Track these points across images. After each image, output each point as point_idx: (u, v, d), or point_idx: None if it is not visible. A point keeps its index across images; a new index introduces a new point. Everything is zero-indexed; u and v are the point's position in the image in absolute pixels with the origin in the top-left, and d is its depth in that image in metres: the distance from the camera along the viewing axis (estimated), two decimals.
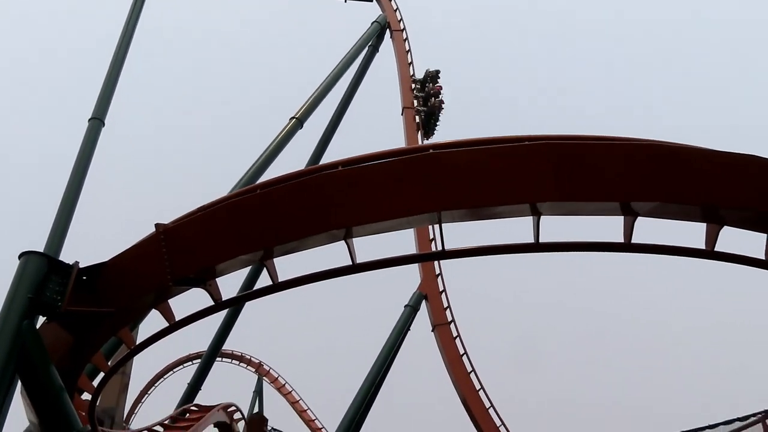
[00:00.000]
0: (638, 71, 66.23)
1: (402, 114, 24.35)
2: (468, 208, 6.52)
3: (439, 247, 7.04)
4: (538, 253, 6.79)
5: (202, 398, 21.57)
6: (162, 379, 36.88)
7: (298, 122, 19.72)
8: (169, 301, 7.86)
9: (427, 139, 25.15)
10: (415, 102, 25.41)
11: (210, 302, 7.58)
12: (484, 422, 20.56)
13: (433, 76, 26.15)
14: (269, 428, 6.67)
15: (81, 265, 7.71)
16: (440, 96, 25.84)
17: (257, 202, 7.00)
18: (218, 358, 31.74)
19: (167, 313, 7.85)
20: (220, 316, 23.00)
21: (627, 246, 6.68)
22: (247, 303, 22.74)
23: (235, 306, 14.97)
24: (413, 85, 25.44)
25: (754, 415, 9.72)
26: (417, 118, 24.83)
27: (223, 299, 7.63)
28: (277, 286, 7.36)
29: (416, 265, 23.45)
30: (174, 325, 7.89)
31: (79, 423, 7.55)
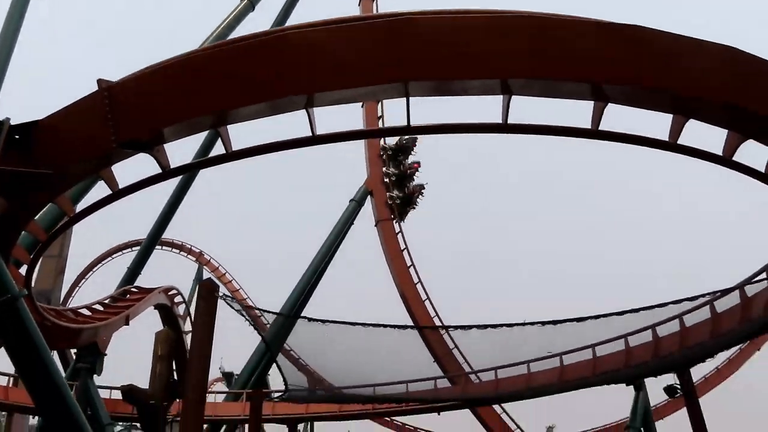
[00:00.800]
0: None
1: (359, 4, 23.07)
2: (437, 79, 6.05)
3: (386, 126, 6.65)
4: (505, 133, 6.48)
5: (141, 285, 21.10)
6: (100, 264, 36.11)
7: (250, 4, 18.45)
8: (112, 168, 7.25)
9: (402, 222, 22.72)
10: (386, 179, 22.44)
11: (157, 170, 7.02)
12: (419, 313, 21.15)
13: (407, 147, 22.68)
14: (220, 294, 6.40)
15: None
16: (416, 174, 22.54)
17: (213, 61, 6.29)
18: (158, 247, 31.19)
19: (110, 180, 7.24)
20: (163, 200, 22.27)
21: (595, 132, 6.44)
22: (191, 191, 22.15)
23: (184, 174, 14.09)
24: (382, 153, 22.65)
25: (702, 295, 10.12)
26: (389, 200, 22.16)
27: (172, 167, 7.05)
28: (230, 155, 6.82)
29: (364, 160, 23.15)
30: (118, 193, 7.31)
31: (15, 287, 7.04)
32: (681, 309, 11.84)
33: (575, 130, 6.49)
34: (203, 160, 7.83)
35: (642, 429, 17.39)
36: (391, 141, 23.18)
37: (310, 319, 6.25)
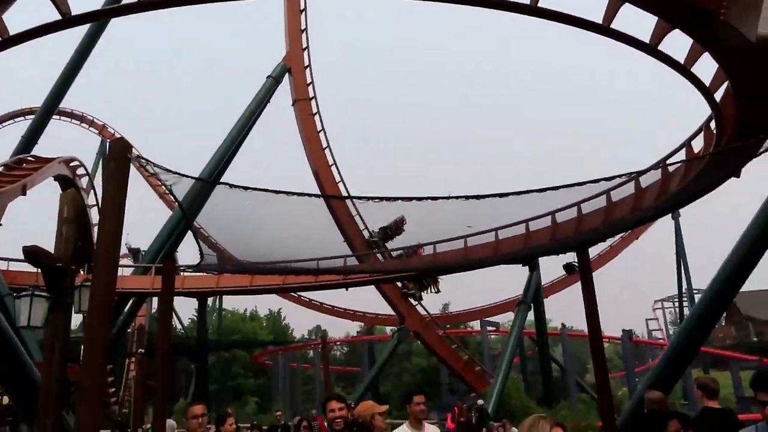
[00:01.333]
0: None
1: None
2: None
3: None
4: (443, 3, 6.06)
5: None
6: None
7: None
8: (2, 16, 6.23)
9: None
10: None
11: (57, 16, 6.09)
12: (332, 194, 21.01)
13: (398, 228, 18.91)
14: (133, 155, 5.73)
15: None
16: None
17: None
18: (57, 117, 28.77)
19: None
20: (61, 64, 20.24)
21: (533, 9, 6.16)
22: (94, 53, 20.15)
23: (87, 23, 12.45)
24: (368, 238, 20.42)
25: (620, 176, 10.42)
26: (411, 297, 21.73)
27: (74, 14, 6.12)
28: (143, 4, 6.00)
29: (283, 35, 21.79)
30: (7, 41, 6.33)
31: None
32: (580, 196, 12.22)
33: (514, 4, 6.17)
34: (112, 8, 6.84)
35: (531, 304, 18.79)
36: (374, 227, 20.62)
37: (231, 186, 5.82)
